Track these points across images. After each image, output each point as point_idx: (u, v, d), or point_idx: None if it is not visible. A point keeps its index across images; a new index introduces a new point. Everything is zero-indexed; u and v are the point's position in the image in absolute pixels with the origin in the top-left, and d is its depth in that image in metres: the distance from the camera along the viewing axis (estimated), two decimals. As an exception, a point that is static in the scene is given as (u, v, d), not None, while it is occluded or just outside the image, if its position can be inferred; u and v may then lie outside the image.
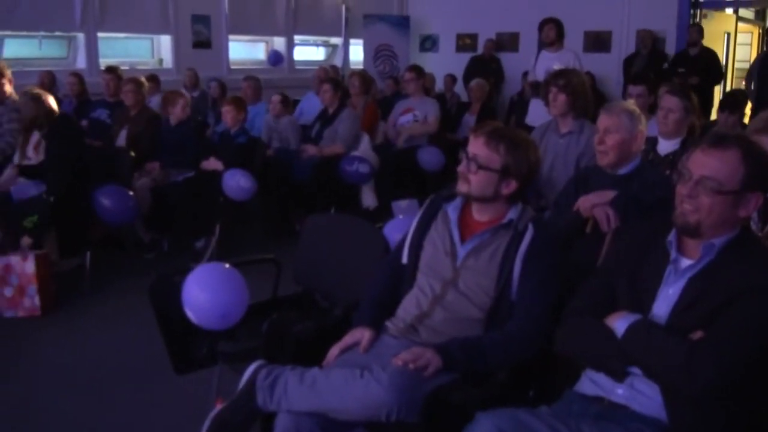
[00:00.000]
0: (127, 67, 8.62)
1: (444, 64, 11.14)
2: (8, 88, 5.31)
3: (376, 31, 11.37)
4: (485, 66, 10.63)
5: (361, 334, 2.32)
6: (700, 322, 1.77)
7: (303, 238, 3.26)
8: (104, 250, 5.18)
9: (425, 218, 2.49)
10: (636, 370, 1.86)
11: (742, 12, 11.76)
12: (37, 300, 4.33)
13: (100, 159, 5.23)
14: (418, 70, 7.03)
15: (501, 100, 10.66)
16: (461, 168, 2.35)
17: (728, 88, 10.51)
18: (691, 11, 9.65)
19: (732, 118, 4.91)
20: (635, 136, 2.92)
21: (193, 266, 2.61)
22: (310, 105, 7.48)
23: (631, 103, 3.12)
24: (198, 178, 5.55)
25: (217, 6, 9.83)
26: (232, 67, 10.14)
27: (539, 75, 6.02)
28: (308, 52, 11.84)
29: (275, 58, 10.50)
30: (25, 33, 8.42)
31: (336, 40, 11.77)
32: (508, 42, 11.06)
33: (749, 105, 7.28)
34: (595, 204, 2.79)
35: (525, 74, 9.33)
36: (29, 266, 4.30)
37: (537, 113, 5.67)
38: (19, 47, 8.50)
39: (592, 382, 1.95)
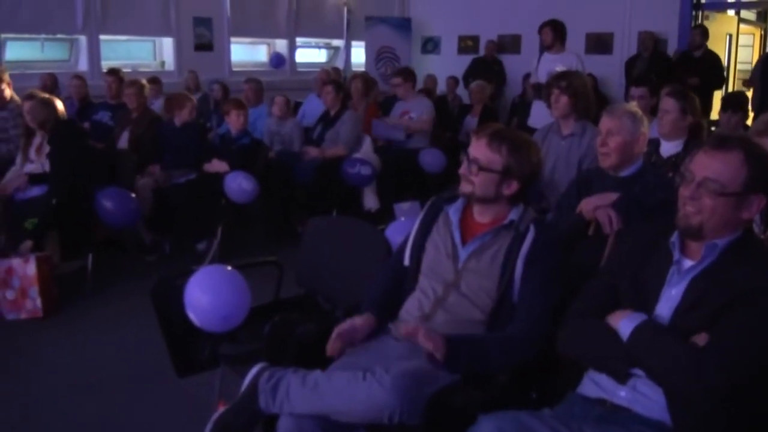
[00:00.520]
0: (129, 70, 8.67)
1: (446, 65, 11.14)
2: (8, 92, 5.31)
3: (378, 33, 11.38)
4: (488, 68, 10.64)
5: (360, 319, 2.32)
6: (702, 322, 1.77)
7: (305, 240, 3.26)
8: (106, 252, 5.17)
9: (427, 220, 2.49)
10: (639, 372, 1.85)
11: (744, 13, 11.74)
12: (39, 302, 4.32)
13: (102, 161, 5.23)
14: (404, 74, 7.03)
15: (503, 101, 10.65)
16: (463, 170, 2.35)
17: (730, 90, 10.51)
18: (693, 13, 9.64)
19: (735, 117, 4.90)
20: (637, 138, 2.92)
21: (195, 268, 2.60)
22: (312, 107, 7.49)
23: (633, 105, 3.11)
24: (200, 180, 5.55)
25: (218, 8, 9.85)
26: (234, 69, 10.15)
27: (541, 77, 6.02)
28: (310, 54, 11.85)
29: (277, 60, 10.51)
30: (27, 36, 8.43)
31: (338, 42, 11.78)
32: (509, 44, 11.06)
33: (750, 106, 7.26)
34: (597, 206, 2.79)
35: (526, 76, 9.34)
36: (30, 268, 4.29)
37: (539, 115, 5.67)
38: (21, 50, 8.51)
39: (595, 384, 1.95)
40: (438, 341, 2.11)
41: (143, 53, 9.76)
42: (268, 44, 11.07)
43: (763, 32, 13.00)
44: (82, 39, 8.69)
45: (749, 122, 5.52)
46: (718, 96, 8.61)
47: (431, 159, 6.54)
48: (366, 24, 11.36)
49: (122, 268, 5.21)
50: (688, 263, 1.88)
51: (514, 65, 10.69)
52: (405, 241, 2.53)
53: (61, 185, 4.65)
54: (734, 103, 5.14)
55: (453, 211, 2.41)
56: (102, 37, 8.79)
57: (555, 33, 6.21)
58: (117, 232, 5.30)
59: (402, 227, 3.15)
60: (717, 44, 10.23)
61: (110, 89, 6.70)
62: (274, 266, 3.14)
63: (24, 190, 4.78)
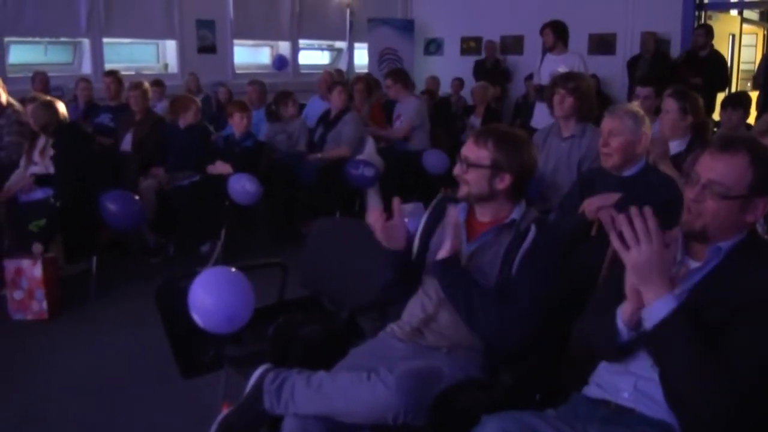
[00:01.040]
0: (132, 72, 8.70)
1: (449, 67, 11.16)
2: (4, 98, 5.31)
3: (381, 35, 11.39)
4: (493, 69, 10.65)
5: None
6: (706, 327, 1.75)
7: (309, 242, 3.26)
8: (110, 254, 5.19)
9: (431, 220, 2.50)
10: (642, 372, 1.85)
11: (747, 13, 11.74)
12: (44, 304, 4.36)
13: (106, 163, 5.25)
14: (395, 75, 7.04)
15: (507, 102, 10.65)
16: (456, 170, 2.36)
17: (734, 90, 10.49)
18: (696, 13, 9.63)
19: (735, 115, 4.90)
20: (639, 138, 2.92)
21: (199, 270, 2.61)
22: (315, 109, 7.50)
23: (635, 105, 3.12)
24: (203, 182, 5.55)
25: (221, 11, 9.86)
26: (237, 71, 10.17)
27: (544, 78, 6.02)
28: (313, 56, 11.86)
29: (280, 62, 10.53)
30: (30, 39, 8.45)
31: (341, 44, 11.80)
32: (512, 45, 11.07)
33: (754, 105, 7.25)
34: (600, 207, 2.79)
35: (527, 77, 9.35)
36: (37, 270, 4.33)
37: (542, 116, 5.68)
38: (25, 53, 8.53)
39: (598, 387, 1.94)
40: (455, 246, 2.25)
41: (146, 56, 9.78)
42: (271, 46, 11.09)
43: (766, 32, 12.99)
44: (86, 42, 8.72)
45: (751, 120, 5.52)
46: (722, 96, 8.60)
47: (434, 160, 6.54)
48: (369, 26, 11.37)
49: (126, 271, 5.22)
50: (692, 264, 1.86)
51: (517, 66, 10.70)
52: (410, 241, 2.53)
53: (66, 188, 4.66)
54: (734, 101, 5.14)
55: (459, 212, 2.41)
56: (105, 39, 8.81)
57: (556, 34, 6.20)
58: (121, 235, 5.32)
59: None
60: (720, 44, 10.21)
61: (109, 90, 6.72)
62: (278, 267, 3.14)
63: (29, 191, 4.79)
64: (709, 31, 8.56)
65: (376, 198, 6.35)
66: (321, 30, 11.34)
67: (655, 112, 4.52)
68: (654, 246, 1.69)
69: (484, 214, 2.37)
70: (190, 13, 9.45)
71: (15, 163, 5.12)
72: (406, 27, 11.72)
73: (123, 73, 7.28)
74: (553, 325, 2.19)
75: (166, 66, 9.69)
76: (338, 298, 3.01)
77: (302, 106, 7.91)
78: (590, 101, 3.89)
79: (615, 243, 1.72)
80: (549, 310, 2.20)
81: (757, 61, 10.82)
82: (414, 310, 2.39)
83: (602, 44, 10.07)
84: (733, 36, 10.88)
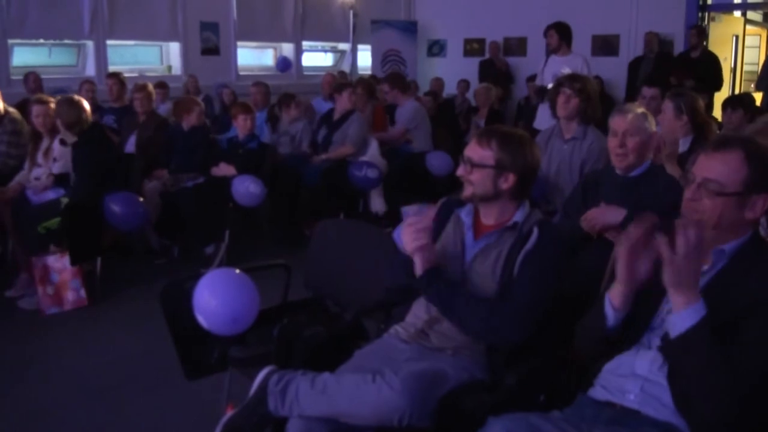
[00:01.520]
0: (136, 74, 8.71)
1: (452, 68, 11.17)
2: (2, 106, 5.31)
3: (384, 37, 11.40)
4: (497, 70, 10.66)
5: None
6: (714, 329, 1.75)
7: (313, 243, 3.26)
8: (114, 256, 5.19)
9: (436, 223, 2.49)
10: (648, 375, 1.85)
11: (751, 15, 11.73)
12: (82, 292, 4.58)
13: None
14: (391, 80, 7.05)
15: (510, 104, 10.66)
16: (460, 171, 2.36)
17: (737, 91, 10.49)
18: (699, 14, 9.63)
19: (735, 115, 4.90)
20: (651, 137, 2.94)
21: (204, 272, 2.61)
22: (318, 110, 7.51)
23: (637, 106, 3.12)
24: (207, 184, 5.56)
25: (225, 13, 9.88)
26: (241, 73, 10.18)
27: (547, 80, 6.02)
28: (316, 57, 11.87)
29: (283, 64, 10.53)
30: (34, 41, 8.47)
31: (344, 46, 11.81)
32: (515, 46, 11.08)
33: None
34: (604, 226, 2.78)
35: (529, 78, 9.34)
36: (66, 262, 4.50)
37: (545, 118, 5.67)
38: (29, 55, 8.55)
39: (604, 388, 1.94)
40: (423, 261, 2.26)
41: (150, 58, 9.79)
42: (275, 48, 11.10)
43: (769, 33, 12.99)
44: (90, 44, 8.73)
45: (753, 121, 5.51)
46: (721, 98, 8.58)
47: (438, 162, 6.54)
48: (372, 27, 11.38)
49: (130, 272, 5.22)
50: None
51: (520, 67, 10.70)
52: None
53: (83, 188, 4.69)
54: (734, 102, 5.14)
55: (465, 214, 2.41)
56: (109, 42, 8.82)
57: (560, 36, 6.19)
58: (125, 236, 5.33)
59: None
60: (723, 45, 10.23)
61: (111, 92, 6.74)
62: (282, 269, 3.14)
63: (43, 191, 4.79)
64: (701, 32, 8.53)
65: (380, 200, 6.35)
66: (324, 32, 11.36)
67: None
68: (699, 254, 1.71)
69: (488, 216, 2.37)
70: (193, 15, 9.47)
71: (8, 173, 5.12)
72: (410, 28, 11.73)
73: (127, 75, 7.31)
74: (556, 326, 2.19)
75: (169, 68, 9.71)
76: (342, 299, 3.01)
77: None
78: (594, 104, 3.89)
79: (662, 246, 1.71)
80: (550, 311, 2.20)
81: (761, 62, 10.81)
82: (418, 311, 2.39)
83: (605, 46, 10.07)
84: (737, 37, 10.88)
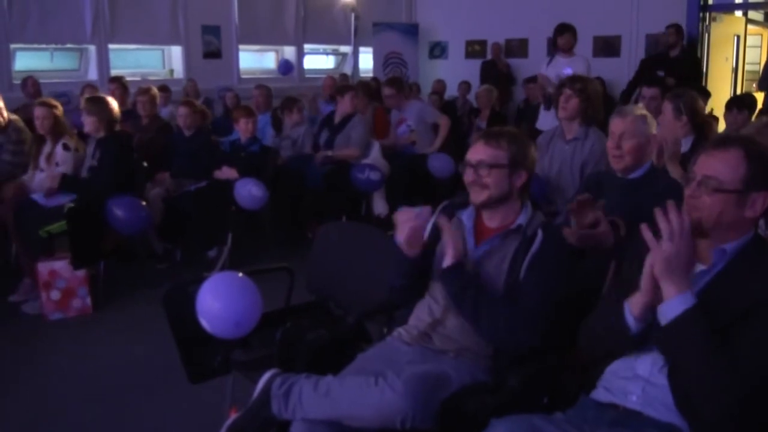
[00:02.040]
0: (138, 78, 8.72)
1: (454, 70, 11.18)
2: (5, 115, 5.33)
3: (386, 39, 11.41)
4: (498, 72, 10.66)
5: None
6: (714, 328, 1.75)
7: (315, 246, 3.27)
8: (117, 260, 5.20)
9: (437, 226, 2.49)
10: (650, 377, 1.85)
11: (752, 14, 11.72)
12: (88, 300, 4.59)
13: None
14: (397, 85, 6.94)
15: (512, 105, 10.66)
16: (469, 178, 2.34)
17: (738, 91, 10.48)
18: (700, 14, 9.62)
19: (740, 116, 4.89)
20: (649, 140, 2.93)
21: (207, 275, 2.62)
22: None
23: (640, 107, 3.12)
24: (210, 187, 5.57)
25: (227, 16, 9.90)
26: (243, 76, 10.20)
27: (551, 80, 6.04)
28: (318, 60, 11.88)
29: (285, 67, 10.55)
30: (36, 45, 8.48)
31: (345, 49, 11.82)
32: (517, 48, 11.08)
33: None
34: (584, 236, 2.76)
35: (527, 80, 9.34)
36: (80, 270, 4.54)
37: (547, 118, 5.68)
38: (31, 60, 8.56)
39: (606, 390, 1.94)
40: (452, 251, 2.25)
41: (152, 61, 9.81)
42: (276, 51, 11.11)
43: (771, 33, 12.98)
44: (92, 48, 8.75)
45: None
46: (719, 98, 8.55)
47: (440, 164, 6.54)
48: (373, 30, 11.39)
49: (133, 276, 5.23)
50: (699, 267, 1.87)
51: (521, 69, 10.71)
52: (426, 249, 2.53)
53: (100, 189, 4.71)
54: (739, 102, 5.14)
55: (466, 217, 2.41)
56: (111, 46, 8.84)
57: (574, 38, 6.24)
58: (128, 240, 5.33)
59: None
60: (725, 45, 10.23)
61: (114, 96, 6.73)
62: (285, 272, 3.15)
63: (52, 195, 4.79)
64: (678, 30, 8.34)
65: (382, 202, 6.36)
66: (326, 34, 11.37)
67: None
68: (686, 241, 1.71)
69: (492, 219, 2.37)
70: (195, 18, 9.49)
71: (7, 180, 5.14)
72: (411, 31, 11.74)
73: (129, 78, 7.32)
74: (560, 328, 2.19)
75: (171, 71, 9.73)
76: (345, 302, 3.01)
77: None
78: (595, 105, 3.88)
79: (646, 235, 1.73)
80: (557, 313, 2.20)
81: (762, 62, 10.80)
82: (421, 314, 2.39)
83: (607, 47, 10.07)
84: (738, 37, 10.87)
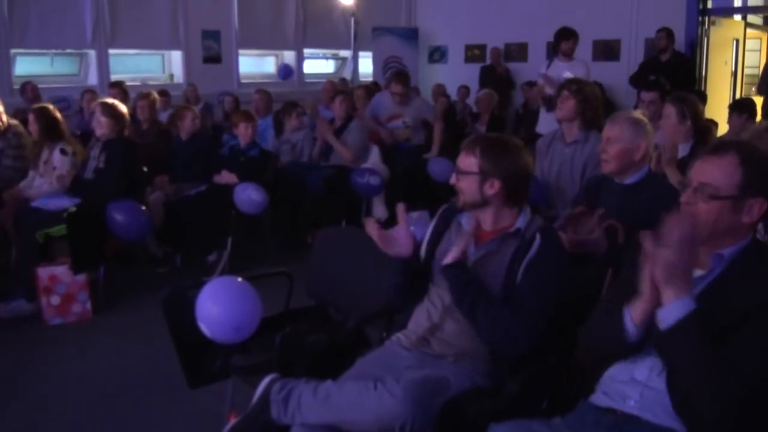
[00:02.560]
0: (138, 83, 8.73)
1: (453, 75, 11.19)
2: (5, 119, 5.34)
3: (385, 44, 11.43)
4: (498, 76, 10.67)
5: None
6: (712, 333, 1.74)
7: (315, 251, 3.27)
8: (117, 264, 5.20)
9: (438, 229, 2.51)
10: (648, 381, 1.85)
11: (751, 18, 11.74)
12: (88, 305, 4.58)
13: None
14: (405, 81, 6.72)
15: (511, 110, 10.67)
16: (451, 181, 2.39)
17: (738, 95, 10.49)
18: (700, 18, 9.63)
19: (740, 120, 4.89)
20: (638, 146, 2.91)
21: (206, 280, 2.62)
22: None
23: (637, 113, 3.11)
24: (210, 192, 5.57)
25: (227, 21, 9.91)
26: (242, 81, 10.21)
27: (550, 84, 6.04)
28: (318, 65, 11.90)
29: (285, 71, 10.57)
30: (37, 50, 8.50)
31: (345, 53, 11.84)
32: (516, 52, 11.09)
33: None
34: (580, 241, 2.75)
35: (525, 84, 9.34)
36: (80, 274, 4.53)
37: (547, 121, 5.69)
38: (31, 65, 8.58)
39: (605, 395, 1.94)
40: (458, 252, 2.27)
41: (152, 66, 9.83)
42: (276, 56, 11.13)
43: (770, 37, 13.00)
44: (92, 53, 8.76)
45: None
46: (719, 101, 8.56)
47: (439, 167, 6.54)
48: (373, 34, 11.40)
49: (133, 280, 5.23)
50: (696, 272, 1.86)
51: (520, 73, 10.72)
52: (417, 249, 2.54)
53: (110, 185, 4.74)
54: (741, 105, 5.14)
55: (466, 220, 2.41)
56: (111, 51, 8.86)
57: (576, 43, 6.26)
58: (127, 245, 5.33)
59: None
60: (724, 49, 10.24)
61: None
62: (285, 277, 3.15)
63: (57, 200, 4.79)
64: (669, 35, 8.29)
65: (382, 206, 6.36)
66: (326, 39, 11.38)
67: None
68: (687, 248, 1.70)
69: (485, 223, 2.38)
70: (195, 23, 9.50)
71: (8, 185, 5.15)
72: (411, 35, 11.75)
73: (129, 83, 7.34)
74: (558, 332, 2.19)
75: (171, 76, 9.74)
76: (344, 307, 3.01)
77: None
78: (593, 107, 3.89)
79: (646, 244, 1.71)
80: (555, 318, 2.21)
81: (761, 66, 10.81)
82: (420, 318, 2.40)
83: (606, 51, 10.08)
84: (737, 41, 10.89)
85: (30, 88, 7.45)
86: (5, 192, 5.01)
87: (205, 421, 3.11)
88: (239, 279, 2.58)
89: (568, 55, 6.28)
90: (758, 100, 7.36)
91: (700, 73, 9.50)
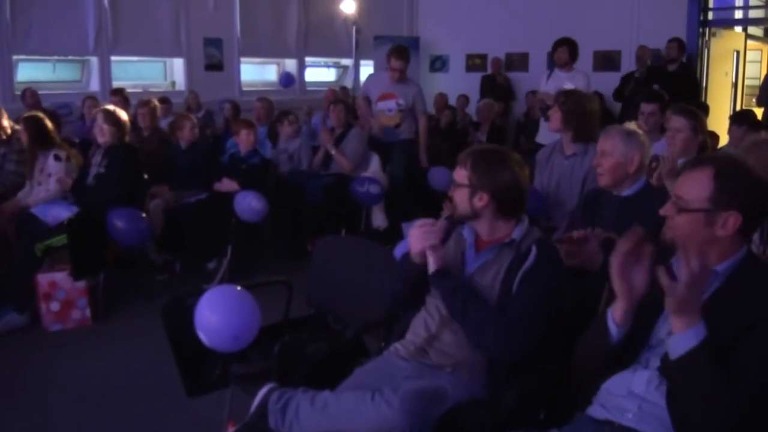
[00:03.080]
0: (140, 90, 8.75)
1: (454, 84, 11.21)
2: (6, 122, 5.34)
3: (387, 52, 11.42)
4: (498, 86, 10.69)
5: None
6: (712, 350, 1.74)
7: (315, 260, 3.28)
8: (117, 271, 5.20)
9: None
10: (645, 395, 1.85)
11: (752, 30, 11.77)
12: (87, 311, 4.60)
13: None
14: (406, 57, 6.40)
15: (511, 119, 10.68)
16: (450, 192, 2.40)
17: (738, 108, 10.51)
18: (700, 29, 9.65)
19: (740, 132, 4.88)
20: (631, 159, 2.92)
21: (206, 288, 2.62)
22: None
23: (631, 125, 3.10)
24: (210, 199, 5.58)
25: (229, 29, 9.93)
26: (244, 88, 10.22)
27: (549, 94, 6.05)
28: (319, 73, 11.92)
29: (286, 79, 10.59)
30: (39, 57, 8.51)
31: (347, 62, 11.86)
32: (517, 62, 11.12)
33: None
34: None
35: (530, 93, 9.36)
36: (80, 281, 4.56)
37: (547, 131, 5.69)
38: (33, 71, 8.58)
39: (602, 407, 1.94)
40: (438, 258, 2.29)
41: (154, 73, 9.84)
42: (278, 64, 11.15)
43: (770, 48, 13.03)
44: (94, 60, 8.77)
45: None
46: (719, 112, 8.56)
47: (439, 176, 6.55)
48: (375, 43, 11.43)
49: (133, 287, 5.22)
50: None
51: (521, 83, 10.74)
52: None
53: (107, 200, 4.71)
54: (742, 117, 5.13)
55: (467, 231, 2.42)
56: (113, 57, 8.87)
57: (570, 52, 6.24)
58: (127, 251, 5.33)
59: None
60: (724, 60, 10.27)
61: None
62: (284, 285, 3.15)
63: (56, 216, 4.77)
64: (681, 46, 8.28)
65: (381, 215, 6.37)
66: (327, 47, 11.40)
67: (661, 129, 4.53)
68: (701, 285, 1.72)
69: (482, 233, 2.38)
70: (197, 31, 9.52)
71: (15, 191, 5.17)
72: (412, 44, 11.75)
73: (130, 90, 7.35)
74: (554, 343, 2.20)
75: (173, 83, 9.75)
76: (343, 316, 3.02)
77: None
78: (581, 119, 3.87)
79: (663, 279, 1.70)
80: (551, 329, 2.21)
81: (762, 77, 10.83)
82: (418, 329, 2.40)
83: (607, 61, 10.10)
84: (738, 52, 10.91)
85: (29, 94, 7.46)
86: (5, 199, 5.02)
87: (203, 430, 3.12)
88: (238, 287, 2.59)
89: (563, 65, 6.28)
90: (758, 112, 7.38)
91: (701, 84, 9.51)
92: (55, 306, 4.50)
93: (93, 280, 4.78)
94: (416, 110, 6.64)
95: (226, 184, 5.58)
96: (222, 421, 2.88)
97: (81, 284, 4.56)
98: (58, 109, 7.57)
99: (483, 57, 11.56)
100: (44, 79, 8.55)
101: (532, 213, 3.04)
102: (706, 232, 1.81)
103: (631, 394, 1.88)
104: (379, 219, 6.37)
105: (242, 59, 10.23)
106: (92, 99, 7.52)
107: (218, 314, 2.47)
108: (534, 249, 2.26)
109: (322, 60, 11.79)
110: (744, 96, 11.31)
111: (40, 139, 5.00)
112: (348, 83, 11.40)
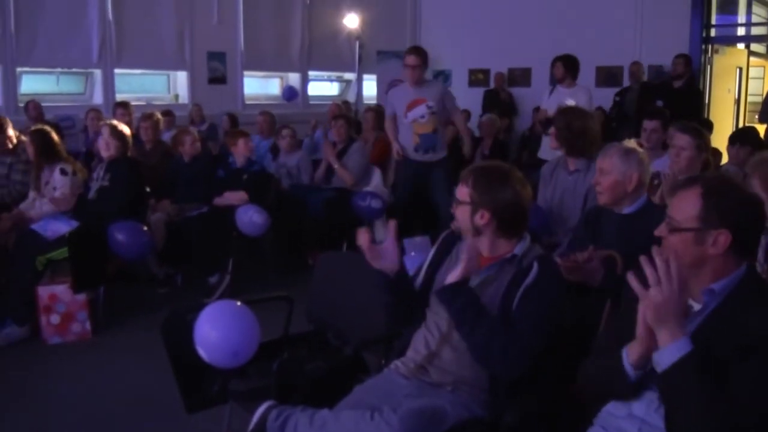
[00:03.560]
0: (143, 103, 8.77)
1: (457, 98, 11.19)
2: (11, 132, 5.34)
3: (389, 67, 11.46)
4: (501, 101, 10.71)
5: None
6: (709, 367, 1.73)
7: (316, 275, 3.27)
8: (118, 284, 5.19)
9: (438, 254, 2.51)
10: (646, 417, 1.84)
11: (754, 47, 11.80)
12: (87, 324, 4.58)
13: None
14: (422, 55, 5.93)
15: (515, 134, 10.69)
16: (452, 209, 2.40)
17: (740, 124, 10.51)
18: (703, 46, 9.67)
19: (743, 151, 4.86)
20: (630, 177, 2.91)
21: (206, 302, 2.61)
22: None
23: (630, 143, 3.09)
24: (211, 213, 5.57)
25: (232, 43, 9.96)
26: (247, 102, 10.25)
27: (551, 109, 6.04)
28: (322, 87, 11.95)
29: (289, 93, 10.60)
30: (43, 69, 8.55)
31: (350, 76, 11.89)
32: (520, 77, 11.15)
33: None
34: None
35: (535, 109, 9.36)
36: (81, 294, 4.54)
37: (548, 147, 5.69)
38: (37, 83, 8.62)
39: (603, 429, 1.93)
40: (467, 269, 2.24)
41: (157, 86, 9.87)
42: (281, 77, 11.18)
43: (773, 65, 13.05)
44: (97, 72, 8.81)
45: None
46: (722, 129, 8.57)
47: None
48: (378, 58, 11.48)
49: (133, 300, 5.21)
50: (695, 306, 1.85)
51: (524, 98, 10.76)
52: (417, 273, 2.53)
53: (110, 213, 4.71)
54: (741, 137, 5.11)
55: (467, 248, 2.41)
56: (117, 70, 8.91)
57: (566, 68, 6.23)
58: (128, 264, 5.33)
59: (412, 262, 3.15)
60: (727, 77, 10.28)
61: (123, 122, 6.77)
62: (285, 300, 3.14)
63: (56, 231, 4.75)
64: (688, 62, 8.21)
65: (383, 230, 6.35)
66: (330, 61, 11.44)
67: (663, 146, 4.53)
68: (674, 287, 1.69)
69: (483, 249, 2.37)
70: (201, 44, 9.56)
71: (17, 200, 5.18)
72: (415, 59, 11.79)
73: (134, 103, 7.36)
74: (554, 362, 2.18)
75: (176, 96, 9.78)
76: (344, 332, 3.01)
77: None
78: (576, 137, 3.86)
79: (633, 284, 1.71)
80: (552, 347, 2.19)
81: (764, 94, 10.84)
82: (418, 346, 2.39)
83: (609, 77, 10.12)
84: (740, 69, 10.93)
85: (32, 107, 7.48)
86: (11, 208, 5.03)
87: (202, 446, 3.10)
88: (238, 303, 2.57)
89: (561, 81, 6.30)
90: (761, 129, 7.37)
91: (703, 100, 9.52)
92: (55, 319, 4.49)
93: (93, 293, 4.77)
94: (448, 108, 6.16)
95: (232, 197, 5.56)
96: (221, 438, 2.87)
97: (81, 297, 4.55)
98: (60, 121, 7.58)
99: (486, 72, 11.58)
100: (48, 91, 8.58)
101: (535, 229, 3.04)
102: (698, 251, 1.80)
103: (632, 416, 1.87)
104: (381, 234, 6.36)
105: (245, 73, 10.27)
106: (95, 111, 7.55)
107: (218, 330, 2.46)
108: (535, 265, 2.26)
109: (325, 74, 11.83)
110: (747, 113, 11.31)
111: (46, 152, 5.00)
112: (351, 97, 11.42)
